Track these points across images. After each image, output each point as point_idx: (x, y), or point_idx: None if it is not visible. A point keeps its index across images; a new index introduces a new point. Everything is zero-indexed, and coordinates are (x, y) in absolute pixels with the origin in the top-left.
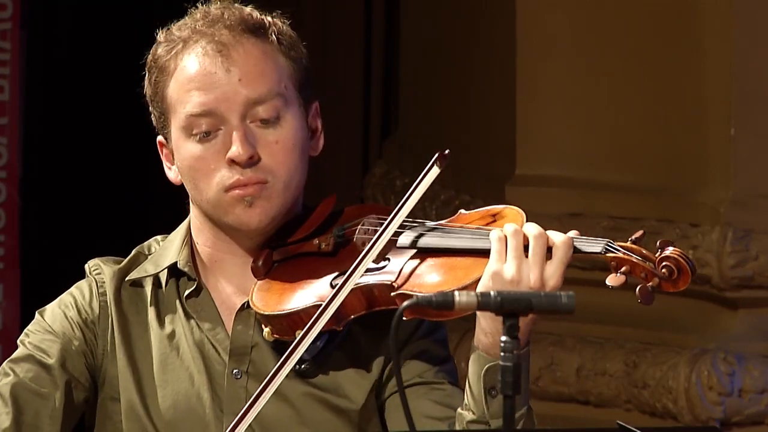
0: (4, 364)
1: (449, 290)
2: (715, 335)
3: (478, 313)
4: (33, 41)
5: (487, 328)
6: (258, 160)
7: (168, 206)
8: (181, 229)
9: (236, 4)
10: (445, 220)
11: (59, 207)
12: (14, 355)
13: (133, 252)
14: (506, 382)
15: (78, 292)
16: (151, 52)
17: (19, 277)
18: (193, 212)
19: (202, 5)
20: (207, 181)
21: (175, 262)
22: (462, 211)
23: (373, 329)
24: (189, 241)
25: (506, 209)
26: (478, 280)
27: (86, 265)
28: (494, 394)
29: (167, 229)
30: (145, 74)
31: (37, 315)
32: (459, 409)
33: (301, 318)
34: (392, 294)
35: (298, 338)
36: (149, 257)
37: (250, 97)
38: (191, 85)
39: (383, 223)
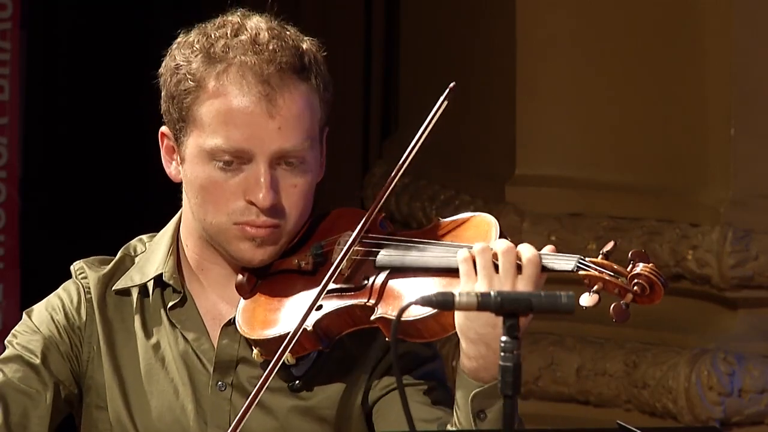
0: None
1: (427, 314)
2: (715, 335)
3: (460, 337)
4: (33, 41)
5: (471, 352)
6: (276, 204)
7: (167, 206)
8: (169, 230)
9: (281, 29)
10: (423, 230)
11: (59, 207)
12: (2, 355)
13: (119, 254)
14: (506, 382)
15: (66, 295)
16: (181, 49)
17: (19, 277)
18: (187, 214)
19: (246, 16)
20: (217, 207)
21: (161, 273)
22: (439, 218)
23: (360, 334)
24: (175, 248)
25: (477, 219)
26: None
27: (72, 267)
28: (483, 417)
29: None
30: (164, 58)
31: (24, 315)
32: (449, 426)
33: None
34: (372, 318)
35: (270, 366)
36: (135, 262)
37: (284, 148)
38: (228, 119)
39: (362, 242)
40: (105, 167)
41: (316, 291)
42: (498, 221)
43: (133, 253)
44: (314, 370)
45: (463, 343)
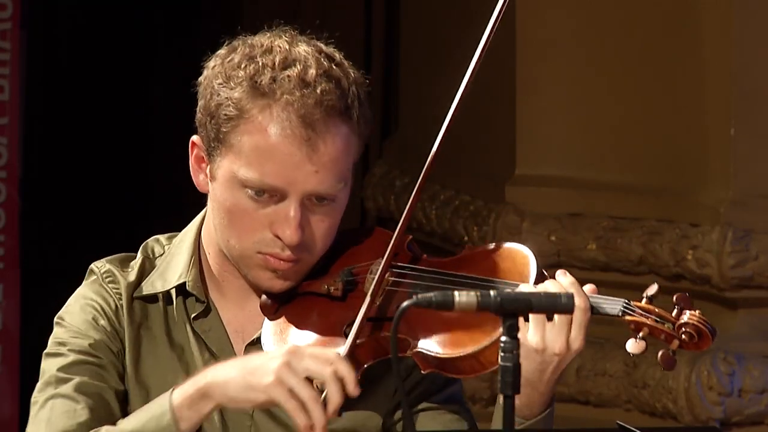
0: (54, 373)
1: (466, 352)
2: None
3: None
4: (33, 41)
5: None
6: (302, 241)
7: (168, 206)
8: (190, 234)
9: (329, 64)
10: (455, 258)
11: (59, 207)
12: (60, 364)
13: (140, 257)
14: (506, 382)
15: (102, 300)
16: (225, 69)
17: (19, 277)
18: (209, 225)
19: (294, 41)
20: (242, 234)
21: (184, 282)
22: (469, 246)
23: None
24: (197, 257)
25: (514, 251)
26: (496, 341)
27: (96, 269)
28: None
29: (167, 228)
30: (203, 66)
31: (61, 323)
32: None
33: None
34: (408, 351)
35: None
36: (156, 266)
37: (317, 190)
38: (267, 156)
39: (393, 271)
40: (105, 167)
41: (346, 318)
42: (498, 221)
43: (152, 255)
44: None
45: None
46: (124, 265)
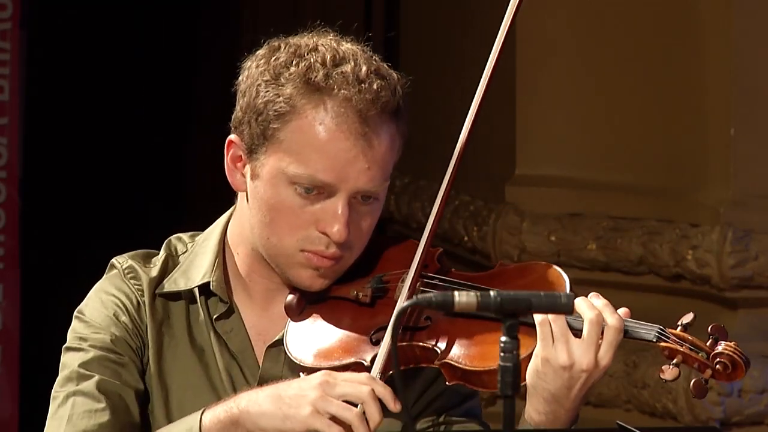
0: (75, 368)
1: (495, 366)
2: None
3: (533, 395)
4: (33, 41)
5: (542, 409)
6: (347, 238)
7: (168, 206)
8: (215, 234)
9: (377, 64)
10: (486, 273)
11: (59, 207)
12: (81, 359)
13: (162, 254)
14: (506, 382)
15: (124, 297)
16: (271, 67)
17: (19, 277)
18: (242, 224)
19: (338, 40)
20: (286, 231)
21: (208, 282)
22: (501, 262)
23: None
24: (222, 257)
25: (548, 272)
26: (528, 357)
27: (118, 264)
28: None
29: (167, 229)
30: (241, 66)
31: (81, 317)
32: None
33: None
34: (436, 362)
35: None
36: (179, 263)
37: (367, 187)
38: (321, 152)
39: (424, 281)
40: (105, 167)
41: (373, 324)
42: (498, 221)
43: (175, 253)
44: None
45: (534, 401)
46: (146, 261)
